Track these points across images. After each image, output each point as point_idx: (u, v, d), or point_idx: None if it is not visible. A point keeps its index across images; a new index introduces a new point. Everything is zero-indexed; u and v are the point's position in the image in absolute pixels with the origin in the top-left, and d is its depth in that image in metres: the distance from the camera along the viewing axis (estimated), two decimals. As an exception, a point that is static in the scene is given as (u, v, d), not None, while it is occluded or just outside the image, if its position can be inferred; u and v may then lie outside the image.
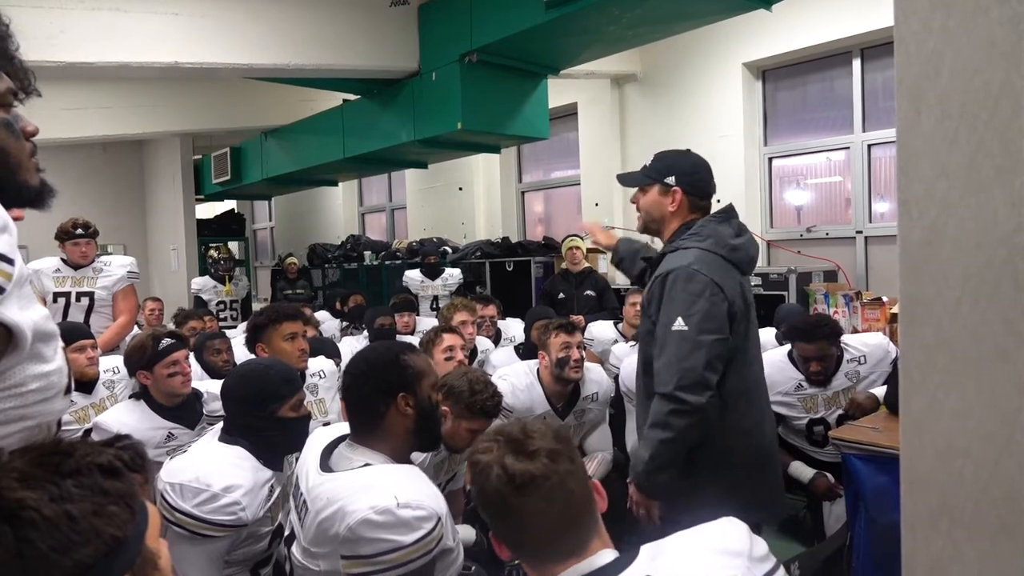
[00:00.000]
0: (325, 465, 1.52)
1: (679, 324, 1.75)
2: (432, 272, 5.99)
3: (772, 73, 5.37)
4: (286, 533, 1.70)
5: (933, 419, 0.76)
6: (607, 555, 1.03)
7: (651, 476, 1.78)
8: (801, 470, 2.83)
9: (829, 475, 2.76)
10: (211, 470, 1.65)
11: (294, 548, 1.52)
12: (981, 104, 0.72)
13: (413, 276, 6.02)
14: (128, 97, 6.31)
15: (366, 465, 1.47)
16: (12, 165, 0.98)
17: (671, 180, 1.90)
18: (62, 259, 3.73)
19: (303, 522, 1.47)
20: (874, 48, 4.73)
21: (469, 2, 4.11)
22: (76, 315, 3.65)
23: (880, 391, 2.60)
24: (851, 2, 4.55)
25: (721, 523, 1.06)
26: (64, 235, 3.70)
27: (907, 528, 0.79)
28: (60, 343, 0.97)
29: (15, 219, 0.98)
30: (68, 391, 1.00)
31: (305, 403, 1.93)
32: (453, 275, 6.03)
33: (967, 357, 0.74)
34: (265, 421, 1.77)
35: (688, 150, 1.99)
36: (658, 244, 2.04)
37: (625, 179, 2.02)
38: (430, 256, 6.10)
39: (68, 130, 6.18)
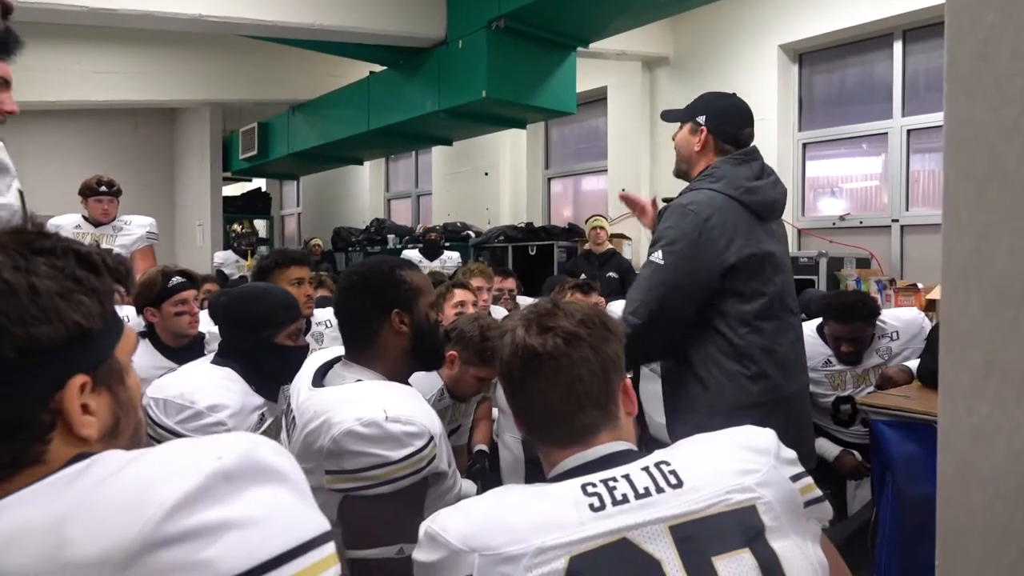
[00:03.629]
0: (318, 383, 1.44)
1: (657, 256, 1.74)
2: (431, 252, 5.89)
3: (809, 56, 5.21)
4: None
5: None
6: (617, 445, 0.96)
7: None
8: (826, 447, 2.69)
9: (856, 452, 2.62)
10: (197, 388, 1.58)
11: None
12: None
13: (411, 256, 5.94)
14: (158, 63, 6.32)
15: (358, 381, 1.39)
16: None
17: (701, 119, 1.88)
18: (83, 216, 3.73)
19: (291, 439, 1.40)
20: (917, 30, 4.55)
21: (498, -34, 4.04)
22: (94, 272, 3.64)
23: (914, 364, 2.45)
24: (895, -20, 4.38)
25: (747, 427, 0.99)
26: (87, 191, 3.71)
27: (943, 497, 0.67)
28: (15, 182, 0.90)
29: None
30: None
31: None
32: (452, 258, 5.94)
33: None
34: (260, 346, 1.70)
35: (732, 94, 1.96)
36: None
37: (666, 115, 2.02)
38: (432, 233, 6.00)
39: (98, 93, 6.24)
